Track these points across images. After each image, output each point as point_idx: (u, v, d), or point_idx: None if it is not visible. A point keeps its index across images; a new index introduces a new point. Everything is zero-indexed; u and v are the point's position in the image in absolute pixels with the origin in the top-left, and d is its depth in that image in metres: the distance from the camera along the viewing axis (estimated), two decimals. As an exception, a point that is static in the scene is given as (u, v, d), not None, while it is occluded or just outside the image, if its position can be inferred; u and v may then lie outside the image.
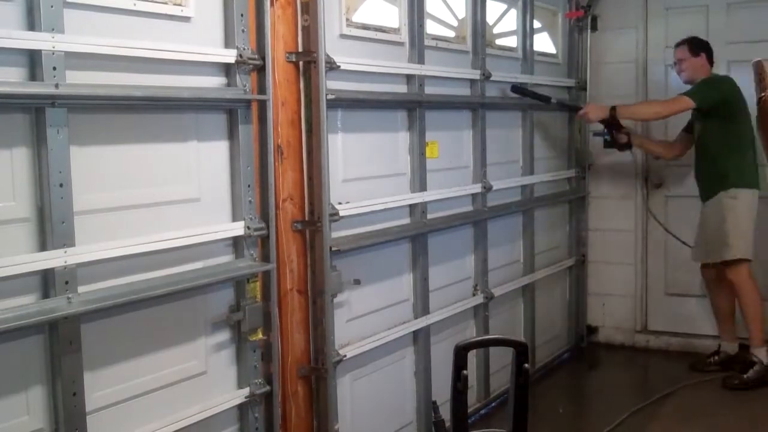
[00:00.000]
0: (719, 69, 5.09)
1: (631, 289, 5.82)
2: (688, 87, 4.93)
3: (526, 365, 2.09)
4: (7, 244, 2.22)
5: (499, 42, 4.82)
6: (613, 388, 5.05)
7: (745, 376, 4.83)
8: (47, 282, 2.32)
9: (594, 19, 5.67)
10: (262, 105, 2.95)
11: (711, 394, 4.76)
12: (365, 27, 3.59)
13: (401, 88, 3.81)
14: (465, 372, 2.07)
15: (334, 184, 3.28)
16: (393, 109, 3.79)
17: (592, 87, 5.65)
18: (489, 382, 4.57)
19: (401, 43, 3.80)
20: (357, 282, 3.46)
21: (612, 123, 5.07)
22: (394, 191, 3.74)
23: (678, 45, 5.03)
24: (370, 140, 3.65)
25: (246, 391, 2.99)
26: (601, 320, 5.91)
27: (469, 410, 4.10)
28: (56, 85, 2.26)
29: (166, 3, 2.68)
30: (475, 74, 4.35)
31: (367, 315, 3.61)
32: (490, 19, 4.61)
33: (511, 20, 4.91)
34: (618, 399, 4.67)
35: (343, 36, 3.41)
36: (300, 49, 3.16)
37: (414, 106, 3.85)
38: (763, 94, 3.72)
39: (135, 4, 2.53)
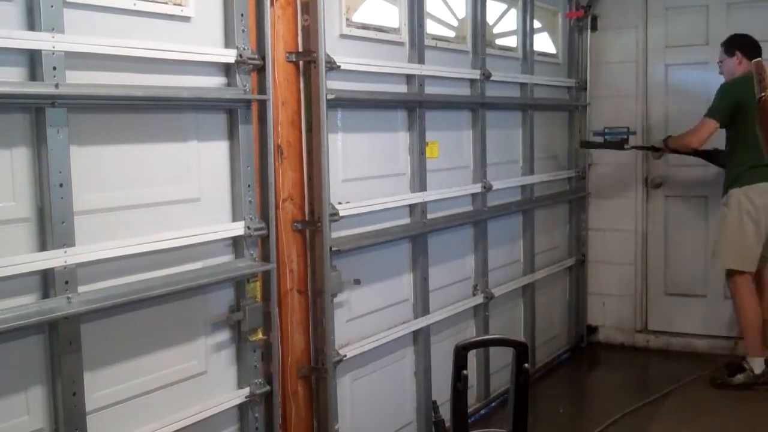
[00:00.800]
0: (719, 69, 5.09)
1: (631, 289, 5.82)
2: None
3: (526, 365, 2.09)
4: (7, 244, 2.22)
5: (499, 42, 4.82)
6: (613, 388, 5.05)
7: (732, 378, 4.82)
8: (47, 282, 2.31)
9: (594, 19, 5.67)
10: (262, 105, 2.95)
11: (711, 394, 4.76)
12: (365, 27, 3.59)
13: (401, 88, 3.81)
14: (465, 372, 2.07)
15: (334, 184, 3.28)
16: (393, 109, 3.79)
17: (592, 87, 5.66)
18: (489, 382, 4.57)
19: (401, 43, 3.80)
20: (357, 282, 3.46)
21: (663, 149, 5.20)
22: (394, 191, 3.74)
23: (721, 46, 4.95)
24: (370, 140, 3.65)
25: (246, 391, 2.98)
26: (601, 320, 5.91)
27: (469, 410, 4.10)
28: (56, 85, 2.26)
29: (166, 3, 2.68)
30: (475, 74, 4.35)
31: (367, 315, 3.61)
32: (490, 19, 4.62)
33: (511, 20, 4.91)
34: (618, 399, 4.67)
35: (343, 36, 3.41)
36: (300, 49, 3.16)
37: (414, 106, 3.85)
38: (763, 94, 3.71)
39: (135, 4, 2.53)
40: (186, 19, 2.74)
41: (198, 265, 2.80)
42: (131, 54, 2.50)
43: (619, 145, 5.31)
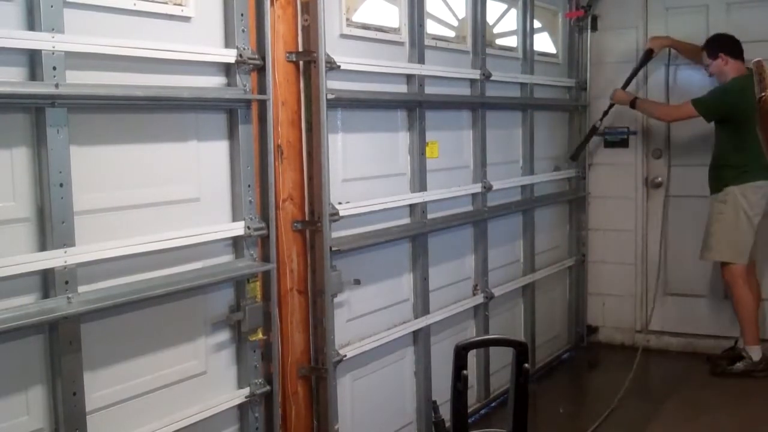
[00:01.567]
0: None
1: (631, 289, 5.82)
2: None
3: (526, 365, 2.09)
4: (7, 244, 2.22)
5: (499, 42, 4.82)
6: (613, 388, 5.04)
7: (731, 367, 4.99)
8: (47, 282, 2.32)
9: (594, 19, 5.67)
10: (262, 105, 2.95)
11: (711, 394, 4.77)
12: (365, 27, 3.59)
13: (401, 88, 3.81)
14: (465, 372, 2.07)
15: (334, 184, 3.28)
16: (393, 109, 3.79)
17: (593, 87, 5.65)
18: (489, 382, 4.57)
19: (401, 43, 3.80)
20: (357, 282, 3.46)
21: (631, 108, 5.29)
22: (394, 191, 3.74)
23: (702, 50, 5.03)
24: (370, 140, 3.65)
25: (246, 391, 2.99)
26: (601, 320, 5.91)
27: (469, 410, 4.10)
28: (56, 85, 2.26)
29: (166, 3, 2.68)
30: (475, 74, 4.35)
31: (367, 315, 3.61)
32: (490, 19, 4.61)
33: (511, 20, 4.91)
34: (617, 399, 4.66)
35: (343, 36, 3.41)
36: (300, 49, 3.16)
37: (414, 106, 3.85)
38: (763, 94, 3.71)
39: (135, 4, 2.53)
40: (186, 19, 2.74)
41: (198, 265, 2.80)
42: (131, 54, 2.50)
43: (595, 131, 5.47)
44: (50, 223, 2.29)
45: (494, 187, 4.48)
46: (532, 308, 5.11)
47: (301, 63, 3.17)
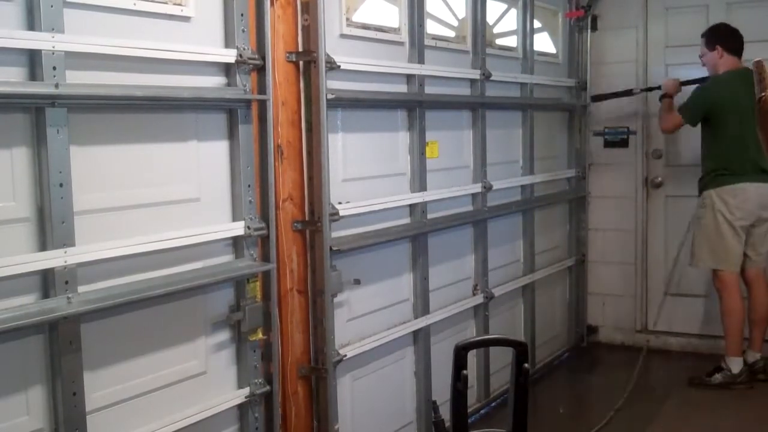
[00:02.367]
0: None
1: (631, 289, 5.82)
2: None
3: (526, 365, 2.09)
4: (7, 244, 2.22)
5: (499, 42, 4.82)
6: (613, 389, 5.04)
7: (709, 379, 4.82)
8: (47, 282, 2.32)
9: (594, 19, 5.67)
10: (262, 105, 2.95)
11: (711, 394, 4.76)
12: (365, 27, 3.59)
13: (401, 88, 3.81)
14: (465, 372, 2.07)
15: (334, 184, 3.28)
16: (393, 109, 3.79)
17: (593, 87, 5.65)
18: (489, 382, 4.57)
19: (401, 43, 3.80)
20: (357, 282, 3.46)
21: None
22: (394, 191, 3.74)
23: (701, 38, 4.91)
24: (370, 140, 3.65)
25: (246, 391, 2.99)
26: (601, 320, 5.91)
27: (469, 410, 4.10)
28: (56, 85, 2.26)
29: (166, 3, 2.68)
30: (475, 74, 4.35)
31: (367, 315, 3.61)
32: (490, 18, 4.62)
33: (511, 20, 4.91)
34: (618, 399, 4.67)
35: (343, 36, 3.41)
36: (300, 49, 3.16)
37: (414, 106, 3.85)
38: (763, 94, 3.70)
39: (135, 4, 2.53)
40: (186, 19, 2.74)
41: (198, 265, 2.80)
42: (131, 54, 2.50)
43: (628, 92, 5.39)
44: (50, 223, 2.29)
45: (494, 187, 4.48)
46: (532, 308, 5.11)
47: (301, 63, 3.17)
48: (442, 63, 4.07)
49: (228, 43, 2.87)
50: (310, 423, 3.30)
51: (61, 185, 2.30)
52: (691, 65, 5.34)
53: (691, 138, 5.35)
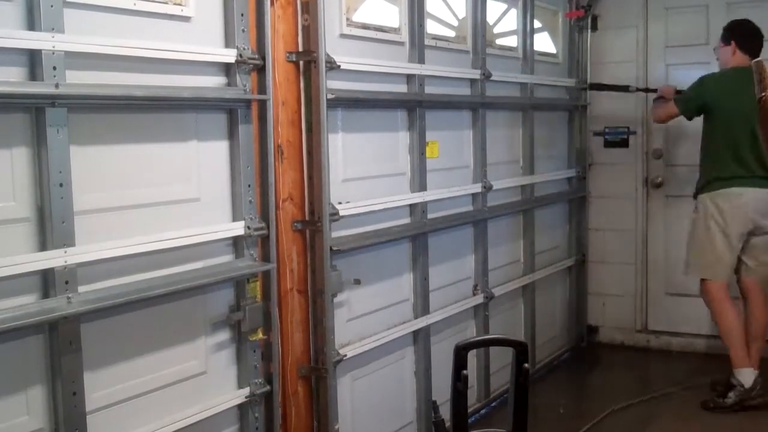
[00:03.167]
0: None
1: (631, 289, 5.82)
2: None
3: (526, 365, 2.09)
4: (7, 244, 2.22)
5: (499, 42, 4.82)
6: (613, 388, 5.05)
7: (723, 400, 4.48)
8: (47, 282, 2.31)
9: (594, 19, 5.67)
10: (262, 105, 2.95)
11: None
12: (365, 27, 3.59)
13: (401, 88, 3.81)
14: (465, 372, 2.07)
15: (334, 183, 3.28)
16: (393, 109, 3.79)
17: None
18: (489, 382, 4.57)
19: (401, 43, 3.80)
20: (357, 282, 3.46)
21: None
22: (394, 191, 3.74)
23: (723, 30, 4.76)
24: (370, 140, 3.65)
25: (246, 391, 2.98)
26: (601, 320, 5.91)
27: (469, 410, 4.10)
28: (56, 85, 2.26)
29: (166, 3, 2.68)
30: (475, 74, 4.35)
31: (367, 315, 3.61)
32: (491, 18, 4.61)
33: (511, 20, 4.91)
34: (618, 399, 4.67)
35: (343, 36, 3.41)
36: (300, 49, 3.16)
37: (414, 106, 3.85)
38: (763, 94, 3.70)
39: (135, 4, 2.53)
40: (186, 19, 2.74)
41: (198, 265, 2.80)
42: (131, 54, 2.50)
43: (624, 88, 5.34)
44: (50, 223, 2.29)
45: (494, 187, 4.48)
46: (532, 308, 5.11)
47: (301, 63, 3.17)
48: (442, 63, 4.07)
49: (228, 43, 2.87)
50: (310, 423, 3.30)
51: (61, 185, 2.30)
52: (691, 65, 5.34)
53: (691, 138, 5.35)
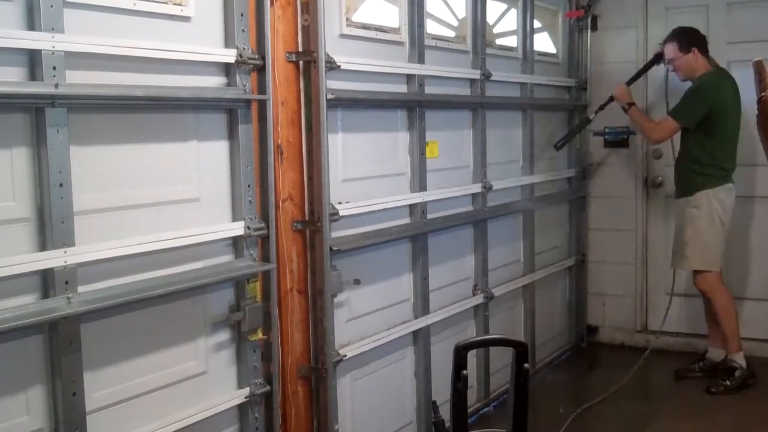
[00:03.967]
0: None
1: (631, 289, 5.82)
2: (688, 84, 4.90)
3: (526, 365, 2.10)
4: (7, 244, 2.22)
5: (499, 42, 4.82)
6: (612, 388, 5.05)
7: (728, 382, 4.76)
8: (47, 282, 2.32)
9: (594, 19, 5.67)
10: (262, 105, 2.95)
11: (710, 394, 4.76)
12: (365, 27, 3.59)
13: (401, 88, 3.81)
14: (465, 372, 2.08)
15: (334, 184, 3.28)
16: (393, 109, 3.79)
17: (593, 87, 5.66)
18: (489, 382, 4.57)
19: (401, 43, 3.80)
20: (357, 282, 3.46)
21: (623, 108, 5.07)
22: (394, 191, 3.74)
23: (666, 42, 4.88)
24: (370, 140, 3.65)
25: (246, 391, 2.99)
26: (601, 320, 5.91)
27: (469, 410, 4.10)
28: (56, 85, 2.26)
29: (166, 3, 2.68)
30: (475, 74, 4.35)
31: (367, 315, 3.61)
32: (490, 18, 4.62)
33: (511, 20, 4.91)
34: (618, 399, 4.67)
35: (343, 36, 3.41)
36: (300, 49, 3.16)
37: (414, 106, 3.85)
38: (763, 94, 3.71)
39: (135, 4, 2.53)
40: (186, 19, 2.74)
41: (198, 265, 2.80)
42: (131, 54, 2.50)
43: (587, 123, 5.38)
44: (50, 223, 2.29)
45: (494, 187, 4.48)
46: (532, 308, 5.11)
47: (301, 63, 3.17)
48: (442, 63, 4.07)
49: (228, 43, 2.87)
50: (310, 423, 3.30)
51: (61, 185, 2.30)
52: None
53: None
